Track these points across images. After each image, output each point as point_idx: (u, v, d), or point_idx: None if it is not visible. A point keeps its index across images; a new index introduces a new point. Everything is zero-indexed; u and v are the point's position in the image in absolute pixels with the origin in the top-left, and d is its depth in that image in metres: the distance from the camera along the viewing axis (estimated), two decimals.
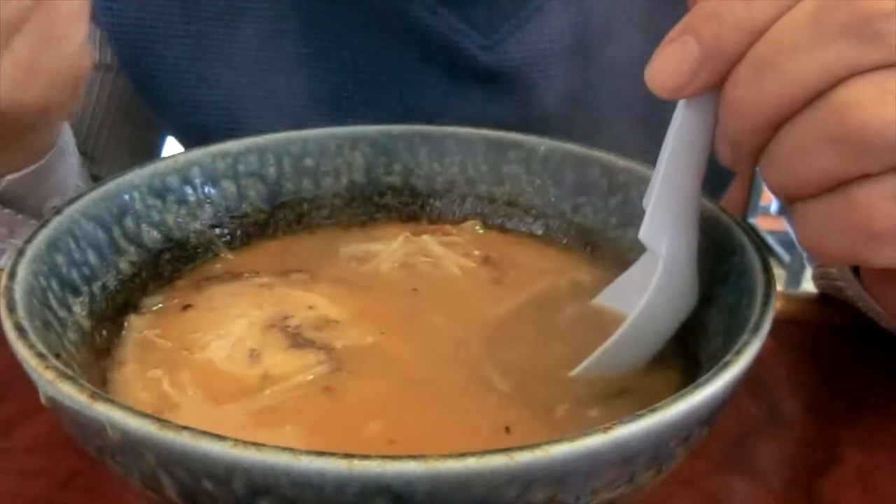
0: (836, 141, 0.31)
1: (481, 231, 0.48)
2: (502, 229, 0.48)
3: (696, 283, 0.36)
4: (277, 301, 0.40)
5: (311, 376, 0.36)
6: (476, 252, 0.46)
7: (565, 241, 0.47)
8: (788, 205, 0.34)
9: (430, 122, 0.47)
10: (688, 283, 0.36)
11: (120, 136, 0.75)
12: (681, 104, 0.34)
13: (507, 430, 0.33)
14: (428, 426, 0.34)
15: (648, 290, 0.35)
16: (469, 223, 0.48)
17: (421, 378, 0.36)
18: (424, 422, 0.34)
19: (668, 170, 0.35)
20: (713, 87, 0.33)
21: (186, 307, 0.41)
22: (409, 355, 0.38)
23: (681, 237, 0.35)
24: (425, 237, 0.46)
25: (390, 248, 0.45)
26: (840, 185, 0.32)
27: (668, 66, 0.33)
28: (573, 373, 0.35)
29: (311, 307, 0.40)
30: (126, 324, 0.40)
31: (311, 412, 0.34)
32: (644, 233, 0.35)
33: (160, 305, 0.41)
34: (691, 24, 0.32)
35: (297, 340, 0.37)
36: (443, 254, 0.45)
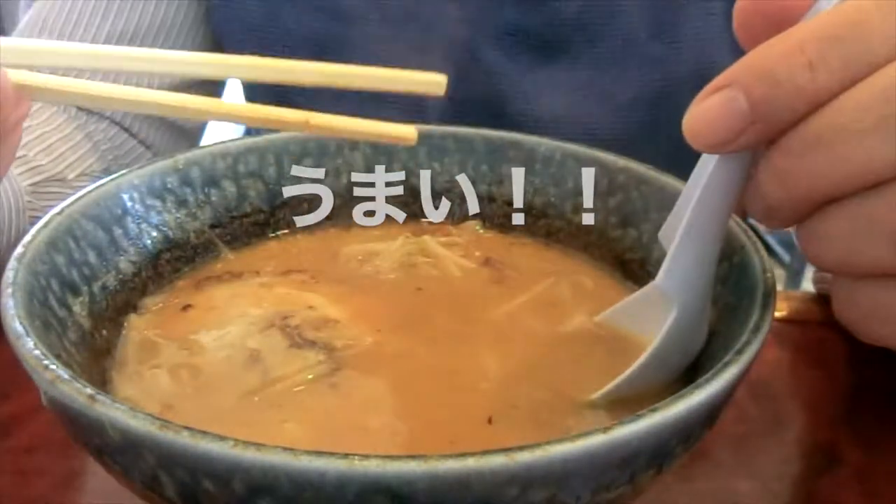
0: (893, 240, 0.28)
1: (481, 231, 0.48)
2: (502, 229, 0.48)
3: (707, 326, 0.36)
4: (277, 301, 0.40)
5: (311, 376, 0.36)
6: (477, 253, 0.46)
7: (565, 241, 0.47)
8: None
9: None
10: (698, 327, 0.35)
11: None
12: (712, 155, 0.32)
13: (490, 420, 0.33)
14: (428, 425, 0.34)
15: (659, 336, 0.34)
16: (469, 223, 0.48)
17: (421, 377, 0.36)
18: (425, 421, 0.34)
19: (692, 220, 0.33)
20: (758, 146, 0.30)
21: (186, 307, 0.41)
22: (409, 355, 0.38)
23: (698, 287, 0.34)
24: (426, 237, 0.46)
25: (390, 248, 0.45)
26: (893, 276, 0.29)
27: (711, 121, 0.29)
28: (594, 396, 0.35)
29: (311, 307, 0.40)
30: (126, 324, 0.39)
31: (312, 412, 0.34)
32: (660, 280, 0.34)
33: (160, 305, 0.41)
34: (742, 77, 0.28)
35: (297, 340, 0.37)
36: (443, 254, 0.45)
